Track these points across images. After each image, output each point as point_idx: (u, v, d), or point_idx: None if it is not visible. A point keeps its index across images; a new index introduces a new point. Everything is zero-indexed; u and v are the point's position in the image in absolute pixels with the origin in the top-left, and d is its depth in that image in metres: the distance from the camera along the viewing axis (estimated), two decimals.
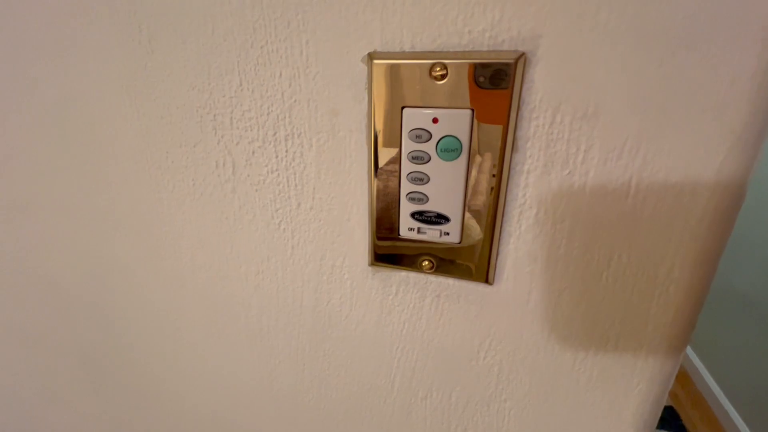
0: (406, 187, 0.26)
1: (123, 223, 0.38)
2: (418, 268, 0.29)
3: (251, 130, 0.30)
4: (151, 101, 0.31)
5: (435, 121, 0.24)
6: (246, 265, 0.35)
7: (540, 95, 0.23)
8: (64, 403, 0.58)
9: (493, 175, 0.25)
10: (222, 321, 0.39)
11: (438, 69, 0.23)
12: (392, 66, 0.24)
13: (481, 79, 0.23)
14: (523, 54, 0.22)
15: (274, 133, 0.29)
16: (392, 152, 0.26)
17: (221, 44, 0.28)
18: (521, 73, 0.23)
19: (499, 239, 0.27)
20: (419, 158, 0.25)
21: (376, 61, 0.24)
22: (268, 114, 0.29)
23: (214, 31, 0.27)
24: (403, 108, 0.25)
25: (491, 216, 0.26)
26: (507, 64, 0.22)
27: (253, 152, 0.30)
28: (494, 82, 0.23)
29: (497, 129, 0.24)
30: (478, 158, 0.25)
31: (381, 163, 0.27)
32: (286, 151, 0.29)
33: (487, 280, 0.28)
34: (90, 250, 0.41)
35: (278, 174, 0.30)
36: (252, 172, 0.31)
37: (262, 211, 0.32)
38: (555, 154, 0.24)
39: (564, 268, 0.27)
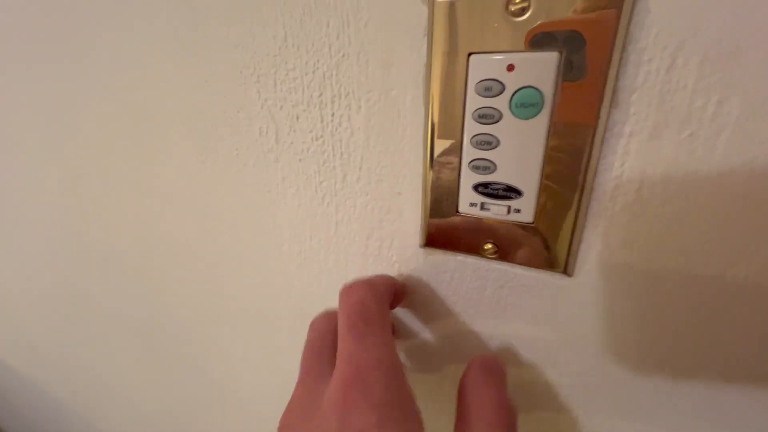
0: (469, 152, 0.22)
1: (170, 194, 0.37)
2: (480, 253, 0.25)
3: (295, 92, 0.27)
4: (196, 64, 0.30)
5: (510, 68, 0.19)
6: (288, 243, 0.33)
7: (656, 30, 0.18)
8: (117, 367, 0.61)
9: (584, 139, 0.20)
10: (264, 303, 0.37)
11: (517, 1, 0.19)
12: (458, 2, 0.20)
13: (574, 12, 0.18)
14: None
15: (320, 95, 0.26)
16: (454, 111, 0.22)
17: None
18: (630, 1, 0.17)
19: (585, 219, 0.22)
20: (488, 116, 0.21)
21: None
22: (314, 72, 0.26)
23: None
24: (470, 55, 0.20)
25: (577, 190, 0.21)
26: None
27: (297, 117, 0.27)
28: (590, 16, 0.18)
29: (592, 77, 0.18)
30: (563, 116, 0.20)
31: (440, 124, 0.22)
32: (332, 115, 0.26)
33: (565, 271, 0.23)
34: (141, 221, 0.41)
35: (323, 141, 0.27)
36: (296, 140, 0.28)
37: (305, 184, 0.29)
38: (671, 111, 0.18)
39: (671, 263, 0.21)
